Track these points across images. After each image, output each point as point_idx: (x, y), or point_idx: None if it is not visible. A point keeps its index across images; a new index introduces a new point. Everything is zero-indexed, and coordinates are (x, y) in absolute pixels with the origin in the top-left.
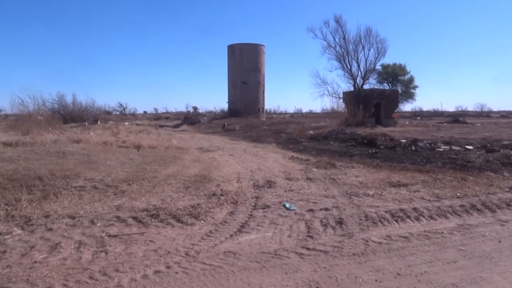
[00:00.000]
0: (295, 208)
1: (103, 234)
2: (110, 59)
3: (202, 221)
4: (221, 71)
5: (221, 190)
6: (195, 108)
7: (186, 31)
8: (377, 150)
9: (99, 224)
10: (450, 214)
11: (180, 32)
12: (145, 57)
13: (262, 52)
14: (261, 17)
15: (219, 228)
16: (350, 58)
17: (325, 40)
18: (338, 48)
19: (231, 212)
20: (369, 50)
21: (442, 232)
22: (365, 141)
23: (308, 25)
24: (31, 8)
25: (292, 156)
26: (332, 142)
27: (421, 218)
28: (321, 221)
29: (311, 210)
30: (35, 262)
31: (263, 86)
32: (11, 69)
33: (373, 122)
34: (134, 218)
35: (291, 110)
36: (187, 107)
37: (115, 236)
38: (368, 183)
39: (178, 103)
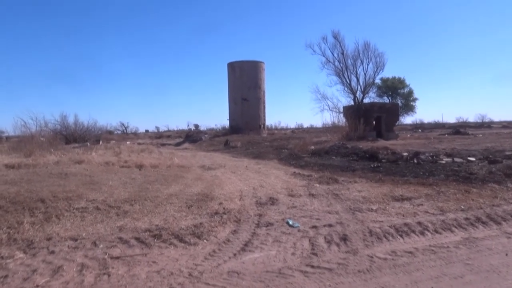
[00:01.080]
0: (299, 225)
1: (106, 256)
2: (110, 78)
3: (205, 241)
4: (222, 88)
5: (224, 208)
6: (196, 126)
7: (186, 50)
8: (379, 164)
9: (101, 245)
10: (455, 227)
11: (180, 51)
12: (146, 76)
13: (262, 69)
14: (260, 34)
15: (222, 248)
16: (349, 73)
17: (323, 56)
18: (337, 63)
19: (234, 230)
20: (367, 64)
21: (448, 246)
22: (367, 155)
23: (306, 41)
24: (32, 27)
25: (294, 172)
26: (334, 157)
27: (426, 232)
28: (325, 237)
29: (314, 227)
30: (37, 286)
31: (264, 102)
32: (14, 90)
33: (374, 136)
34: (137, 239)
35: (292, 125)
36: (188, 125)
37: (117, 257)
38: (371, 198)
39: (179, 121)
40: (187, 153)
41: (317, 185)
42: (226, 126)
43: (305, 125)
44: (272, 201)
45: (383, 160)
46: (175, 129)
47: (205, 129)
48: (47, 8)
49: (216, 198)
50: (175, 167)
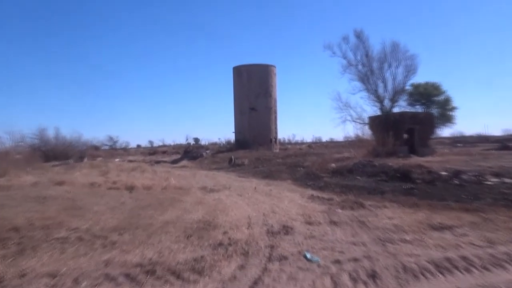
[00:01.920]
0: (318, 259)
1: None
2: (98, 86)
3: (207, 277)
4: (226, 96)
5: (229, 238)
6: (196, 140)
7: (185, 53)
8: (413, 186)
9: (84, 283)
10: (508, 263)
11: (179, 53)
12: (139, 81)
13: (273, 74)
14: (270, 35)
15: (227, 286)
16: (375, 78)
17: (344, 58)
18: (360, 66)
19: (241, 265)
20: (396, 68)
21: (499, 287)
22: (398, 175)
23: (324, 42)
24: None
25: (312, 195)
26: (358, 177)
27: (472, 269)
28: (350, 274)
29: (337, 261)
30: None
31: (275, 112)
32: None
33: (406, 151)
34: (126, 275)
35: (308, 139)
36: (187, 139)
37: None
38: (404, 226)
39: (176, 135)
40: (185, 172)
41: (340, 210)
42: (232, 140)
43: (324, 138)
44: (286, 229)
45: (417, 181)
46: (172, 143)
47: (206, 143)
48: (26, 7)
49: (219, 226)
50: (171, 189)
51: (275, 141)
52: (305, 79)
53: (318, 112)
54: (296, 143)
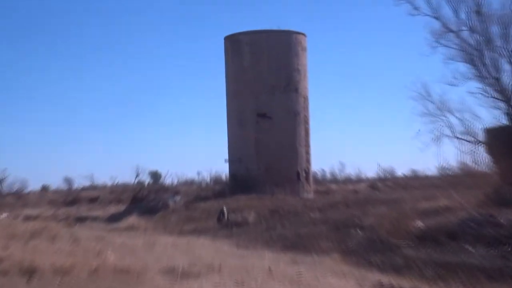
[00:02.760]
0: None
1: None
2: None
3: None
4: (212, 93)
5: None
6: (155, 176)
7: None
8: None
9: None
10: None
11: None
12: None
13: (301, 49)
14: None
15: None
16: (495, 56)
17: (436, 19)
18: (466, 33)
19: None
20: None
21: None
22: None
23: None
24: None
25: (381, 284)
26: (469, 247)
27: None
28: None
29: None
30: None
31: (306, 122)
32: None
33: None
34: None
35: (370, 173)
36: (137, 175)
37: None
38: None
39: (117, 166)
40: (135, 238)
41: None
42: (223, 176)
43: (401, 171)
44: None
45: None
46: (109, 184)
47: (175, 183)
48: None
49: None
50: (108, 272)
51: (307, 177)
52: (360, 61)
53: (387, 124)
54: (347, 181)
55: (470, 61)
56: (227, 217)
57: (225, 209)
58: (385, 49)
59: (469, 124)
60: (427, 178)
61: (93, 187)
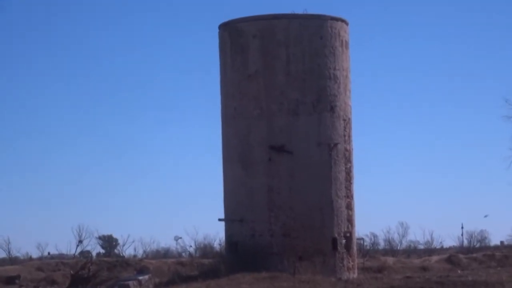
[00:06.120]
0: None
1: None
2: None
3: None
4: (199, 116)
5: None
6: (107, 244)
7: None
8: None
9: None
10: None
11: None
12: None
13: (341, 45)
14: None
15: None
16: None
17: None
18: None
19: None
20: None
21: None
22: None
23: None
24: None
25: None
26: None
27: None
28: None
29: None
30: None
31: (347, 159)
32: None
33: None
34: None
35: (449, 239)
36: (80, 241)
37: None
38: None
39: (50, 228)
40: None
41: None
42: (217, 244)
43: (496, 237)
44: None
45: None
46: (36, 255)
47: (139, 254)
48: None
49: None
50: None
51: (349, 247)
52: (429, 63)
53: (475, 161)
54: (412, 252)
55: None
56: None
57: None
58: (468, 47)
59: None
60: None
61: (11, 260)
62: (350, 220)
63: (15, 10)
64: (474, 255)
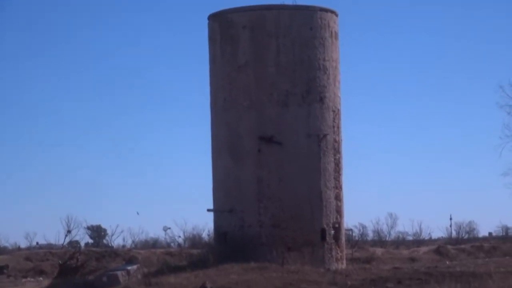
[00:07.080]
0: None
1: None
2: None
3: None
4: (190, 101)
5: None
6: (96, 234)
7: None
8: None
9: None
10: None
11: None
12: None
13: (330, 35)
14: None
15: None
16: None
17: None
18: None
19: None
20: None
21: None
22: None
23: None
24: None
25: None
26: None
27: None
28: None
29: None
30: None
31: (336, 149)
32: None
33: None
34: None
35: (437, 230)
36: (69, 231)
37: None
38: None
39: (38, 218)
40: None
41: None
42: (206, 234)
43: (484, 227)
44: None
45: None
46: (24, 245)
47: (128, 244)
48: None
49: None
50: None
51: (338, 238)
52: (420, 54)
53: (463, 151)
54: (400, 243)
55: None
56: None
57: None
58: (458, 38)
59: None
60: None
61: None
62: (339, 211)
63: (15, 10)
64: (463, 246)
